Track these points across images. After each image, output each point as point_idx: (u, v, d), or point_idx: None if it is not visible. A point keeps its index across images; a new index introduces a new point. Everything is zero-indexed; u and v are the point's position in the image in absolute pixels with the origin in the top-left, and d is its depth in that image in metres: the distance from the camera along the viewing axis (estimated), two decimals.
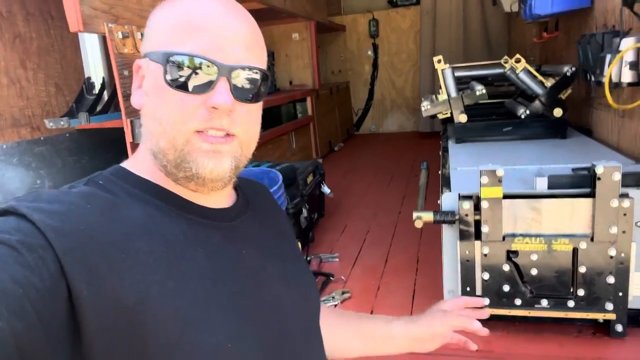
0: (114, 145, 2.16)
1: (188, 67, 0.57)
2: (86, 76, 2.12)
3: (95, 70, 2.08)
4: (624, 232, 1.22)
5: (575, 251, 1.26)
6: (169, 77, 0.58)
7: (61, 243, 0.47)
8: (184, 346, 0.52)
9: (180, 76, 0.57)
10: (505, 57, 2.43)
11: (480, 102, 2.29)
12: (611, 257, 1.23)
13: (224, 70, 0.58)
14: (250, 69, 0.60)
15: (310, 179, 2.26)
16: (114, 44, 1.61)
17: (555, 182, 1.30)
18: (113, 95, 2.08)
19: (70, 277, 0.46)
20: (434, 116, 2.43)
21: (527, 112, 2.14)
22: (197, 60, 0.57)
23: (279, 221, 0.79)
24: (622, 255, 1.23)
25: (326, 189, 2.43)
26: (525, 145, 2.10)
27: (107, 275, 0.49)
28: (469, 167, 1.72)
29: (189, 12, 0.59)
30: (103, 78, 2.09)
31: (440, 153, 2.21)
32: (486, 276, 1.33)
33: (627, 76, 1.56)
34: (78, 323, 0.47)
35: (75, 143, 2.33)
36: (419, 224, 1.35)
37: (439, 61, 2.34)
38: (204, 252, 0.59)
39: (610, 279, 1.24)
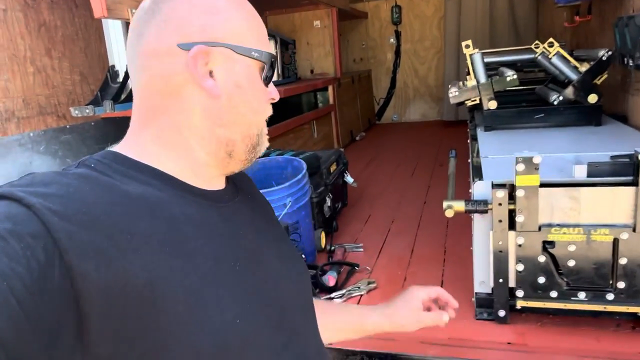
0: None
1: (272, 67, 0.66)
2: (110, 64, 2.11)
3: (119, 58, 2.07)
4: None
5: (615, 242, 1.20)
6: (266, 74, 0.65)
7: (64, 227, 0.46)
8: (195, 324, 0.52)
9: (270, 74, 0.66)
10: (537, 41, 2.35)
11: (509, 88, 2.21)
12: None
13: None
14: None
15: (333, 168, 2.23)
16: None
17: (595, 170, 1.23)
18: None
19: (75, 260, 0.45)
20: (460, 103, 2.36)
21: (560, 98, 2.06)
22: (275, 62, 0.67)
23: (265, 206, 0.81)
24: None
25: (349, 179, 2.39)
26: (557, 132, 2.03)
27: (114, 258, 0.48)
28: (500, 155, 1.66)
29: (253, 15, 0.66)
30: (127, 66, 2.09)
31: (469, 141, 2.15)
32: (520, 267, 1.28)
33: None
34: (82, 309, 0.45)
35: (100, 131, 2.34)
36: (449, 214, 1.31)
37: (467, 46, 2.27)
38: (204, 232, 0.59)
39: None
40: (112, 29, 2.04)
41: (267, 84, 0.65)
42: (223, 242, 0.61)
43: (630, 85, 2.09)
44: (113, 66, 2.09)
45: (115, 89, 2.04)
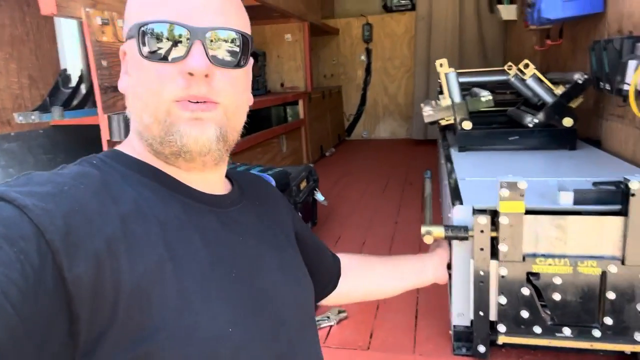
0: (92, 144, 1.99)
1: (160, 35, 0.56)
2: (62, 68, 1.95)
3: (72, 61, 1.91)
4: None
5: (603, 275, 1.13)
6: (143, 48, 0.57)
7: (56, 227, 0.45)
8: (184, 330, 0.50)
9: (154, 46, 0.56)
10: (510, 63, 2.32)
11: (481, 110, 2.17)
12: None
13: (197, 33, 0.57)
14: (227, 30, 0.59)
15: (303, 185, 2.12)
16: (91, 30, 1.45)
17: (582, 198, 1.17)
18: (91, 89, 1.92)
19: (67, 262, 0.44)
20: (433, 123, 2.31)
21: (536, 120, 2.03)
22: (168, 27, 0.56)
23: (276, 211, 0.78)
24: None
25: (320, 196, 2.28)
26: (532, 155, 1.99)
27: (106, 258, 0.47)
28: (478, 178, 1.59)
29: None
30: (81, 70, 1.92)
31: (442, 161, 2.08)
32: (503, 300, 1.19)
33: None
34: (73, 311, 0.45)
35: (49, 140, 2.16)
36: (428, 240, 1.21)
37: (442, 65, 2.22)
38: (200, 237, 0.57)
39: None
40: (64, 29, 1.88)
41: (154, 58, 0.57)
42: (220, 249, 0.60)
43: (605, 110, 2.08)
44: (65, 70, 1.93)
45: (66, 94, 1.87)
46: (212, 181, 0.66)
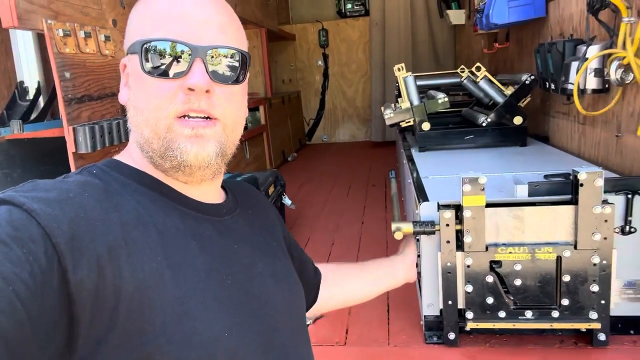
0: (51, 157, 1.95)
1: (163, 52, 0.58)
2: (18, 80, 1.90)
3: (29, 73, 1.86)
4: (605, 238, 1.20)
5: (559, 260, 1.22)
6: (145, 65, 0.59)
7: (62, 232, 0.46)
8: (182, 335, 0.52)
9: (157, 63, 0.58)
10: (462, 66, 2.45)
11: (437, 111, 2.28)
12: (594, 264, 1.21)
13: (198, 51, 0.58)
14: (227, 48, 0.61)
15: (271, 190, 2.15)
16: (53, 42, 1.43)
17: (536, 190, 1.26)
18: (50, 101, 1.88)
19: (71, 265, 0.46)
20: (393, 125, 2.40)
21: (488, 120, 2.15)
22: (170, 45, 0.58)
23: (268, 219, 0.80)
24: (604, 262, 1.21)
25: (287, 200, 2.32)
26: (487, 153, 2.10)
27: (107, 264, 0.49)
28: (440, 176, 1.68)
29: (161, 3, 0.61)
30: (38, 82, 1.88)
31: (405, 161, 2.17)
32: (469, 288, 1.27)
33: (592, 83, 1.57)
34: (74, 313, 0.46)
35: (4, 155, 2.09)
36: (399, 236, 1.28)
37: (400, 69, 2.31)
38: (197, 245, 0.59)
39: (594, 287, 1.21)
40: (21, 41, 1.83)
41: (157, 74, 0.59)
42: (216, 256, 0.61)
43: (551, 107, 2.23)
44: (22, 82, 1.88)
45: (24, 107, 1.83)
46: (209, 191, 0.67)
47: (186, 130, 0.59)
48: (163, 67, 0.58)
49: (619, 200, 1.24)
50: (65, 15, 1.51)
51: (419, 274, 1.33)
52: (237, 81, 0.63)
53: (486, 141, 2.18)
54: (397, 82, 2.39)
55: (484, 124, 2.16)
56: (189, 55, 0.58)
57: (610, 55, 1.47)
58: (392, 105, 2.49)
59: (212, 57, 0.59)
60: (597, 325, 1.23)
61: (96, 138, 1.52)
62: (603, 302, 1.23)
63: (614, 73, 1.43)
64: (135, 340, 0.49)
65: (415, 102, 2.22)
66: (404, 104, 2.24)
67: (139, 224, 0.54)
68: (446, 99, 2.18)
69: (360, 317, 1.56)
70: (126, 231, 0.52)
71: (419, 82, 2.63)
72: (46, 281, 0.44)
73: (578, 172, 1.18)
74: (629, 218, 1.24)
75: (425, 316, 1.40)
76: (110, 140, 1.62)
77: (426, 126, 2.19)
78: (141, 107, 0.60)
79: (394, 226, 1.31)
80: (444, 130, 2.28)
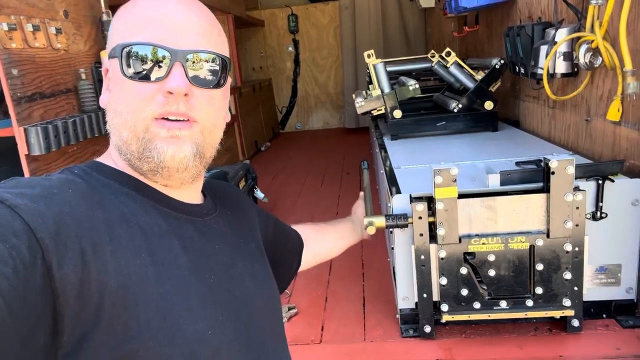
0: (5, 160, 1.84)
1: (143, 56, 0.58)
2: None
3: None
4: (577, 225, 1.19)
5: (532, 249, 1.21)
6: (125, 68, 0.59)
7: (46, 226, 0.47)
8: (166, 332, 0.52)
9: (136, 66, 0.59)
10: (432, 51, 2.42)
11: (409, 97, 2.25)
12: (567, 252, 1.20)
13: (177, 55, 0.59)
14: (207, 53, 0.61)
15: (242, 184, 2.09)
16: None
17: (507, 179, 1.25)
18: (1, 99, 1.77)
19: (55, 260, 0.46)
20: (365, 113, 2.36)
21: (459, 105, 2.13)
22: (150, 48, 0.58)
23: (247, 219, 0.81)
24: (577, 249, 1.20)
25: (260, 194, 2.26)
26: (459, 139, 2.09)
27: (92, 259, 0.49)
28: (412, 165, 1.65)
29: (142, 8, 0.62)
30: None
31: (377, 150, 2.14)
32: (444, 281, 1.25)
33: (561, 67, 1.56)
34: (58, 308, 0.46)
35: None
36: (372, 231, 1.24)
37: (369, 56, 2.27)
38: (180, 244, 0.60)
39: (567, 275, 1.21)
40: None
41: (136, 78, 0.59)
42: (197, 255, 0.62)
43: (521, 91, 2.22)
44: None
45: None
46: (189, 194, 0.68)
47: (162, 132, 0.59)
48: (143, 70, 0.59)
49: (589, 186, 1.23)
50: (10, 8, 1.40)
51: (393, 267, 1.31)
52: (217, 85, 0.64)
53: (458, 127, 2.16)
54: (368, 68, 2.35)
55: (455, 110, 2.14)
56: (169, 59, 0.59)
57: (579, 38, 1.46)
58: (363, 92, 2.45)
59: (194, 62, 0.60)
60: (571, 313, 1.23)
61: (50, 139, 1.44)
62: (576, 288, 1.23)
63: (582, 57, 1.41)
64: (120, 336, 0.49)
65: (387, 89, 2.19)
66: (375, 91, 2.20)
67: (123, 221, 0.55)
68: (417, 86, 2.15)
69: (335, 312, 1.54)
70: (110, 228, 0.53)
71: (390, 68, 2.59)
72: (29, 276, 0.44)
73: (549, 160, 1.16)
74: (600, 204, 1.24)
75: (400, 309, 1.38)
76: (67, 139, 1.54)
77: (398, 114, 2.16)
78: (120, 109, 0.61)
79: (366, 221, 1.28)
80: (416, 117, 2.25)
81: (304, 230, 1.06)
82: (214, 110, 0.64)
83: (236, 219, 0.77)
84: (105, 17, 1.83)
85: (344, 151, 4.07)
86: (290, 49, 5.49)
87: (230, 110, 3.07)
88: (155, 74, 0.59)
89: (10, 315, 0.41)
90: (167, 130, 0.59)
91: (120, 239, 0.53)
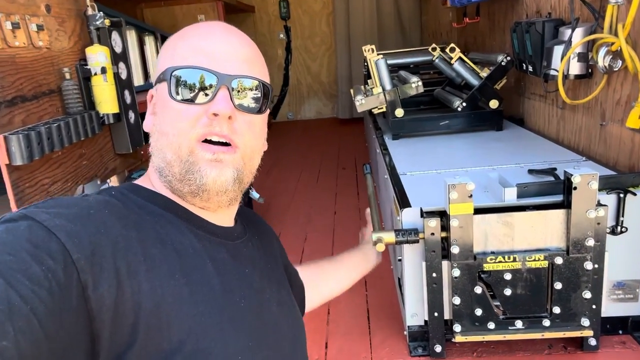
0: None
1: (190, 80, 0.61)
2: None
3: None
4: (598, 242, 1.13)
5: (550, 267, 1.15)
6: (174, 91, 0.61)
7: (82, 247, 0.47)
8: (199, 353, 0.52)
9: (184, 89, 0.61)
10: (434, 45, 2.33)
11: (410, 95, 2.16)
12: (587, 270, 1.14)
13: (224, 79, 0.61)
14: (251, 79, 0.64)
15: None
16: None
17: (525, 192, 1.18)
18: None
19: (91, 281, 0.46)
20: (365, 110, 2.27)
21: (464, 104, 2.05)
22: (199, 72, 0.61)
23: (271, 247, 0.82)
24: (597, 266, 1.14)
25: (255, 194, 2.17)
26: (463, 138, 2.02)
27: (126, 279, 0.49)
28: (419, 172, 1.57)
29: (191, 37, 0.64)
30: None
31: (378, 151, 2.06)
32: (457, 301, 1.19)
33: (575, 68, 1.49)
34: (95, 330, 0.46)
35: None
36: (381, 248, 1.17)
37: (371, 51, 2.17)
38: (213, 265, 0.60)
39: (587, 294, 1.15)
40: None
41: (183, 100, 0.61)
42: (230, 278, 0.62)
43: (526, 89, 2.15)
44: None
45: None
46: (224, 218, 0.69)
47: (207, 155, 0.61)
48: (190, 93, 0.61)
49: (610, 199, 1.17)
50: None
51: (399, 280, 1.24)
52: (259, 111, 0.65)
53: (462, 126, 2.09)
54: (366, 62, 2.25)
55: (459, 109, 2.06)
56: (215, 82, 0.61)
57: (596, 40, 1.38)
58: (362, 88, 2.36)
59: (239, 91, 0.62)
60: (590, 333, 1.17)
61: (33, 147, 1.33)
62: (594, 307, 1.17)
63: (602, 60, 1.34)
64: (153, 357, 0.49)
65: (388, 86, 2.10)
66: (376, 88, 2.11)
67: (157, 241, 0.56)
68: (420, 83, 2.06)
69: (339, 328, 1.47)
70: (145, 248, 0.53)
71: (389, 61, 2.51)
72: (64, 298, 0.44)
73: (571, 175, 1.09)
74: (621, 218, 1.18)
75: (409, 326, 1.32)
76: (51, 146, 1.43)
77: (400, 112, 2.07)
78: (166, 130, 0.62)
79: (374, 236, 1.20)
80: (418, 116, 2.17)
81: (303, 273, 0.99)
82: (254, 136, 0.66)
83: (263, 244, 0.77)
84: (90, 11, 1.71)
85: (339, 143, 3.99)
86: (281, 35, 5.34)
87: None
88: (202, 97, 0.61)
89: (46, 339, 0.41)
90: (212, 153, 0.60)
91: (155, 259, 0.53)
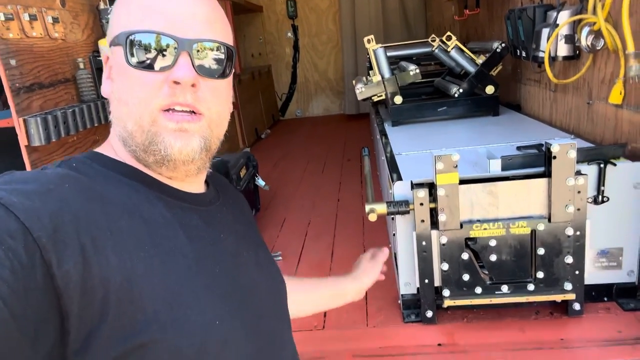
0: (6, 151, 1.83)
1: (148, 45, 0.57)
2: None
3: None
4: (578, 209, 1.19)
5: (533, 233, 1.22)
6: (130, 57, 0.58)
7: (43, 225, 0.45)
8: (174, 324, 0.52)
9: (141, 55, 0.57)
10: (433, 35, 2.39)
11: (409, 82, 2.24)
12: (568, 236, 1.20)
13: (184, 44, 0.58)
14: (213, 42, 0.60)
15: (243, 172, 2.09)
16: None
17: (509, 164, 1.24)
18: (1, 91, 1.76)
19: (55, 259, 0.45)
20: (366, 99, 2.35)
21: (460, 90, 2.11)
22: (156, 37, 0.57)
23: (244, 210, 0.82)
24: (578, 233, 1.20)
25: (261, 182, 2.26)
26: (460, 124, 2.08)
27: (93, 255, 0.48)
28: (413, 152, 1.65)
29: None
30: None
31: (378, 136, 2.13)
32: (445, 267, 1.26)
33: (563, 50, 1.55)
34: (64, 307, 0.45)
35: None
36: (373, 218, 1.25)
37: (369, 41, 2.25)
38: (184, 233, 0.59)
39: (569, 259, 1.21)
40: None
41: (141, 67, 0.58)
42: (204, 245, 0.61)
43: (522, 75, 2.20)
44: None
45: None
46: (192, 186, 0.67)
47: (171, 124, 0.58)
48: (148, 60, 0.57)
49: (591, 170, 1.23)
50: None
51: (395, 253, 1.32)
52: (222, 75, 0.62)
53: (459, 112, 2.15)
54: (368, 55, 2.33)
55: (456, 95, 2.12)
56: (175, 48, 0.57)
57: (580, 21, 1.44)
58: (364, 78, 2.43)
59: (198, 50, 0.59)
60: (572, 296, 1.23)
61: (50, 129, 1.43)
62: (577, 272, 1.23)
63: (584, 39, 1.40)
64: (127, 330, 0.48)
65: (387, 74, 2.17)
66: (375, 77, 2.18)
67: (124, 213, 0.54)
68: (417, 71, 2.14)
69: None
70: (111, 221, 0.52)
71: (390, 53, 2.57)
72: (28, 277, 0.43)
73: (550, 145, 1.15)
74: (602, 188, 1.24)
75: (402, 295, 1.39)
76: (66, 130, 1.53)
77: (398, 99, 2.15)
78: (125, 99, 0.59)
79: (367, 207, 1.28)
80: (416, 103, 2.24)
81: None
82: (219, 102, 0.63)
83: (235, 208, 0.77)
84: (102, 6, 1.81)
85: (345, 138, 4.06)
86: (289, 34, 5.44)
87: None
88: (161, 62, 0.57)
89: (13, 318, 0.41)
90: (175, 122, 0.58)
91: (122, 231, 0.52)
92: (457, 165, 1.18)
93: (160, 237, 0.55)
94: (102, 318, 0.47)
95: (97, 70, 1.84)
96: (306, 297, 1.03)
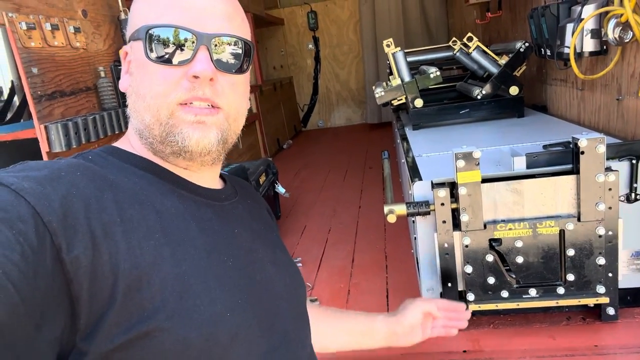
0: (33, 159, 1.87)
1: (167, 39, 0.58)
2: None
3: (1, 72, 1.78)
4: (610, 208, 1.13)
5: (562, 233, 1.15)
6: (149, 51, 0.58)
7: (53, 209, 0.46)
8: (183, 312, 0.51)
9: (161, 49, 0.58)
10: (454, 38, 2.36)
11: (431, 87, 2.20)
12: (600, 236, 1.14)
13: (203, 39, 0.58)
14: (231, 37, 0.61)
15: (263, 179, 2.08)
16: (16, 36, 1.35)
17: (534, 161, 1.19)
18: (26, 100, 1.80)
19: (65, 244, 0.45)
20: (385, 104, 2.31)
21: (483, 92, 2.06)
22: (174, 31, 0.58)
23: (262, 212, 0.81)
24: (610, 233, 1.14)
25: (281, 189, 2.25)
26: (483, 126, 2.02)
27: (102, 241, 0.48)
28: (435, 153, 1.60)
29: None
30: (12, 81, 1.80)
31: (399, 141, 2.09)
32: (469, 269, 1.20)
33: (589, 45, 1.49)
34: (73, 292, 0.46)
35: None
36: (392, 219, 1.21)
37: (388, 45, 2.22)
38: (197, 225, 0.59)
39: (601, 260, 1.14)
40: None
41: (161, 61, 0.58)
42: (216, 238, 0.61)
43: (548, 75, 2.14)
44: None
45: None
46: (208, 177, 0.67)
47: (189, 117, 0.59)
48: (167, 54, 0.58)
49: (622, 166, 1.17)
50: (29, 7, 1.43)
51: (417, 258, 1.27)
52: (240, 70, 0.63)
53: (482, 114, 2.09)
54: (388, 60, 2.31)
55: (478, 97, 2.07)
56: (193, 42, 0.58)
57: (606, 14, 1.38)
58: (384, 83, 2.41)
59: (216, 45, 0.60)
60: (606, 300, 1.16)
61: (70, 135, 1.45)
62: (610, 274, 1.16)
63: (611, 32, 1.34)
64: (135, 318, 0.48)
65: (407, 78, 2.14)
66: (395, 80, 2.15)
67: (135, 202, 0.54)
68: (438, 73, 2.10)
69: (358, 303, 1.51)
70: (121, 209, 0.52)
71: (411, 58, 2.55)
72: (38, 261, 0.43)
73: (578, 140, 1.10)
74: (634, 185, 1.17)
75: None
76: (87, 137, 1.55)
77: (419, 103, 2.11)
78: (143, 93, 0.60)
79: (386, 209, 1.24)
80: (437, 105, 2.20)
81: (312, 311, 0.87)
82: (237, 96, 0.64)
83: (255, 208, 0.77)
84: (123, 16, 1.84)
85: (367, 146, 4.03)
86: (310, 46, 5.47)
87: (250, 109, 3.10)
88: (179, 57, 0.58)
89: (22, 301, 0.41)
90: (194, 115, 0.59)
91: (132, 219, 0.52)
92: (479, 163, 1.14)
93: (172, 227, 0.55)
94: (110, 304, 0.47)
95: (118, 79, 1.87)
96: (331, 328, 0.96)
